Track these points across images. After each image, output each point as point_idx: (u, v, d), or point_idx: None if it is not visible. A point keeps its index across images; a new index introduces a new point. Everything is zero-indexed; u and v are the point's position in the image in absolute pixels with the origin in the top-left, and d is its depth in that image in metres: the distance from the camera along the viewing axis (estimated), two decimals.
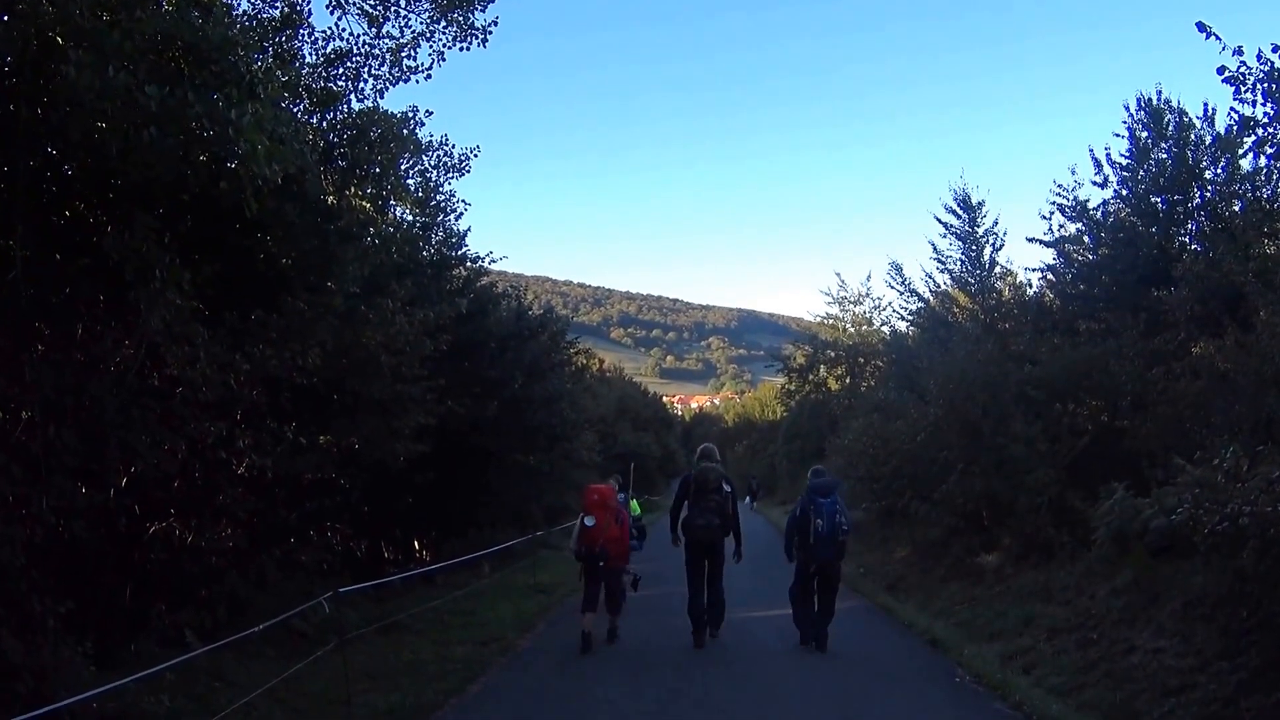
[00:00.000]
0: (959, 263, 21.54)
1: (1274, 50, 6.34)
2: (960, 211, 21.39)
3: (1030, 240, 16.73)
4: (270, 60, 8.53)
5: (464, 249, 16.06)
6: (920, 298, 23.53)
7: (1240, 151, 12.94)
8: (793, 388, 40.83)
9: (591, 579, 9.25)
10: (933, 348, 18.82)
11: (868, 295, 36.62)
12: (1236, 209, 13.61)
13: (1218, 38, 6.01)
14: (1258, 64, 6.23)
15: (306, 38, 9.26)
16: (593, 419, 33.87)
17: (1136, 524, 8.08)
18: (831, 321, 37.96)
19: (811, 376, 38.84)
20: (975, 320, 19.69)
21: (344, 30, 9.20)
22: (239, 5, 8.25)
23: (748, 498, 41.64)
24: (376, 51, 9.31)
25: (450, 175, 13.08)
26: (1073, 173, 15.86)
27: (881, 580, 14.04)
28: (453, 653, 8.88)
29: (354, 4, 9.09)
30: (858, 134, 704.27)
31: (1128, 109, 15.10)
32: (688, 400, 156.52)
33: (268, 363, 8.20)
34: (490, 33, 9.31)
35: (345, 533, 13.50)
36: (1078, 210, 15.80)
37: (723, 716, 6.59)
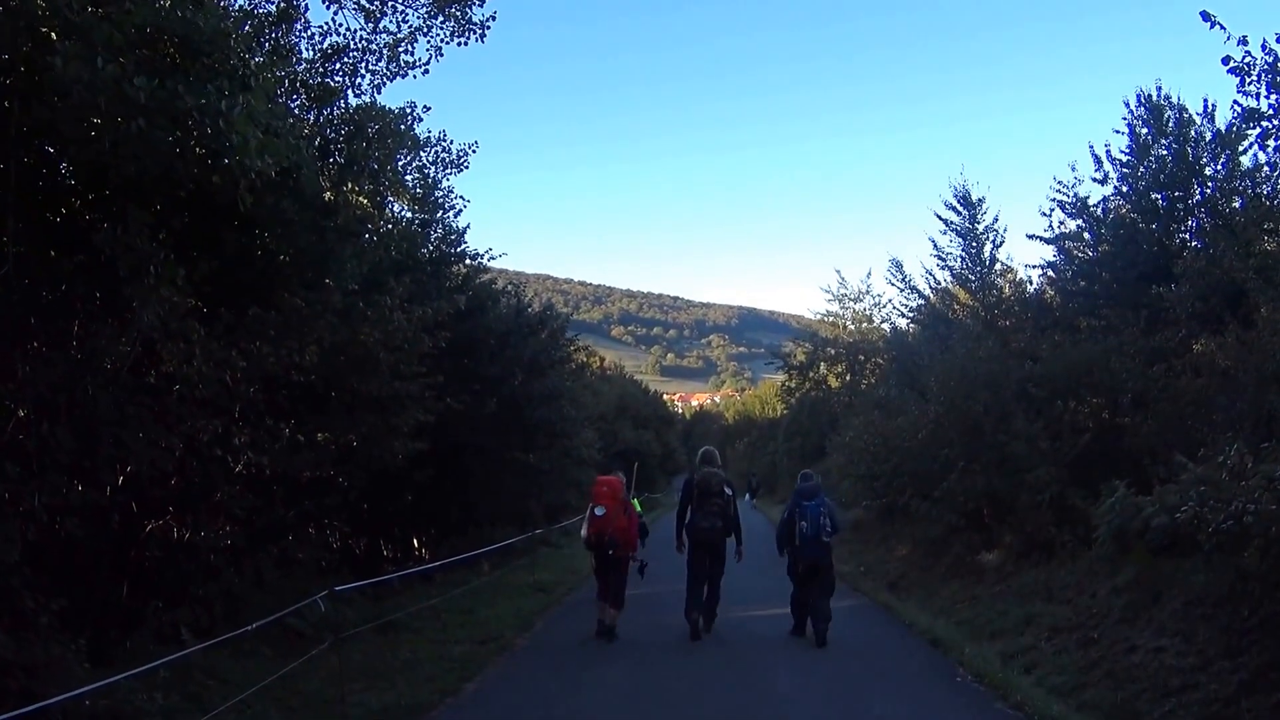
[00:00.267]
0: (959, 259, 21.49)
1: (1279, 40, 6.29)
2: (960, 208, 21.33)
3: (1030, 237, 16.68)
4: (267, 55, 8.48)
5: (463, 246, 16.02)
6: (921, 294, 23.47)
7: (1245, 145, 12.84)
8: (793, 385, 40.80)
9: (600, 569, 9.61)
10: (933, 345, 18.78)
11: (868, 292, 36.59)
12: (1237, 205, 13.57)
13: (1222, 27, 5.95)
14: (1262, 54, 6.17)
15: (303, 33, 9.21)
16: (593, 417, 33.83)
17: (1138, 522, 8.01)
18: (832, 319, 37.95)
19: (812, 374, 38.82)
20: (976, 317, 19.64)
21: (341, 25, 9.17)
22: (235, 0, 8.20)
23: (747, 495, 41.62)
24: (373, 47, 9.28)
25: (448, 171, 13.05)
26: (1073, 169, 15.81)
27: (882, 578, 14.00)
28: (450, 651, 8.84)
29: None
30: (858, 132, 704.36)
31: (1128, 105, 15.05)
32: (688, 398, 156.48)
33: (265, 360, 8.16)
34: (488, 28, 9.27)
35: (344, 531, 13.46)
36: (1078, 207, 15.75)
37: (721, 717, 6.55)
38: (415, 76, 9.39)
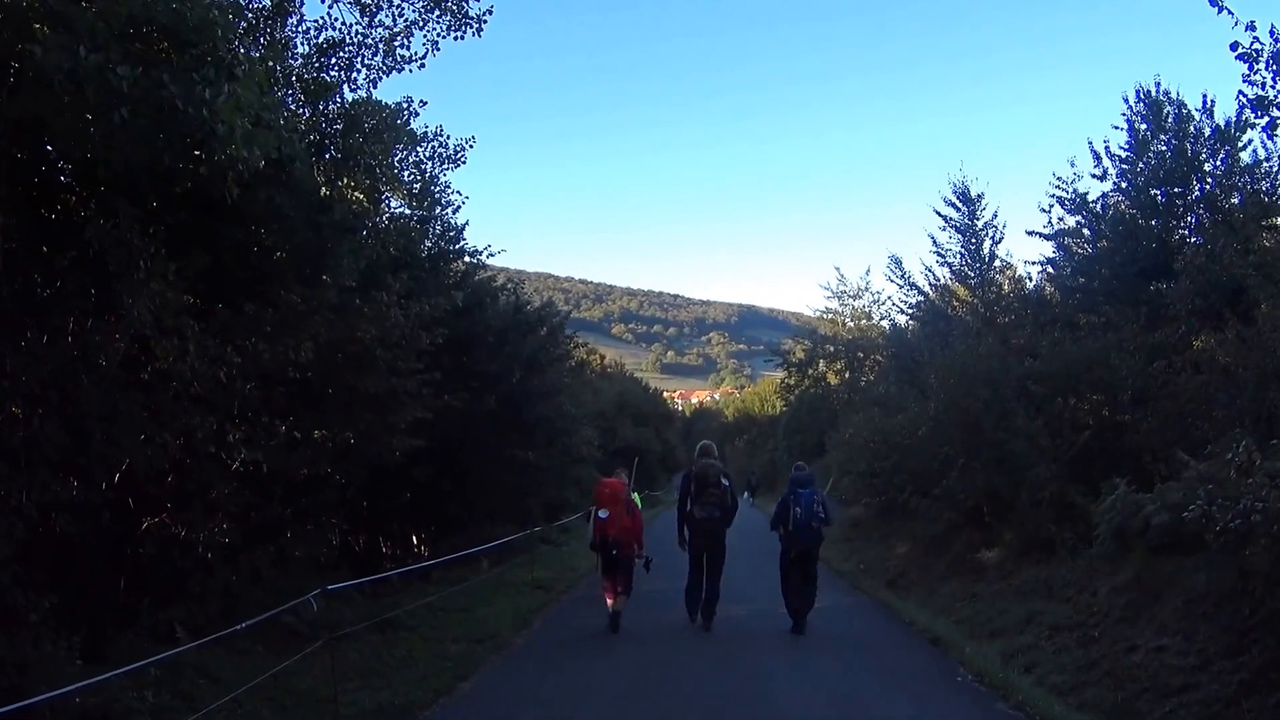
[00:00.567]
0: (959, 256, 21.46)
1: None
2: (959, 204, 21.30)
3: (1030, 233, 16.67)
4: (263, 50, 8.41)
5: (461, 243, 15.95)
6: (920, 291, 23.43)
7: (1249, 135, 12.80)
8: (792, 382, 40.78)
9: (606, 566, 9.91)
10: (933, 341, 18.72)
11: (867, 289, 36.59)
12: (1236, 202, 13.53)
13: (1230, 12, 5.85)
14: (1270, 40, 6.07)
15: (298, 27, 9.13)
16: (593, 414, 33.76)
17: (1138, 520, 7.96)
18: (831, 316, 37.93)
19: (811, 371, 38.81)
20: (975, 314, 19.60)
21: (336, 19, 9.06)
22: None
23: (745, 493, 41.60)
24: (369, 41, 9.16)
25: (445, 167, 12.96)
26: (1072, 165, 15.80)
27: (882, 576, 13.95)
28: (446, 650, 8.80)
29: None
30: (858, 129, 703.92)
31: (1127, 101, 15.02)
32: (688, 395, 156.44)
33: (260, 356, 8.11)
34: (485, 22, 9.17)
35: (342, 528, 13.41)
36: (1077, 203, 15.73)
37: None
38: (411, 71, 9.29)
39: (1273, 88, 6.06)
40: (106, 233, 5.95)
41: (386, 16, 9.04)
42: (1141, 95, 14.84)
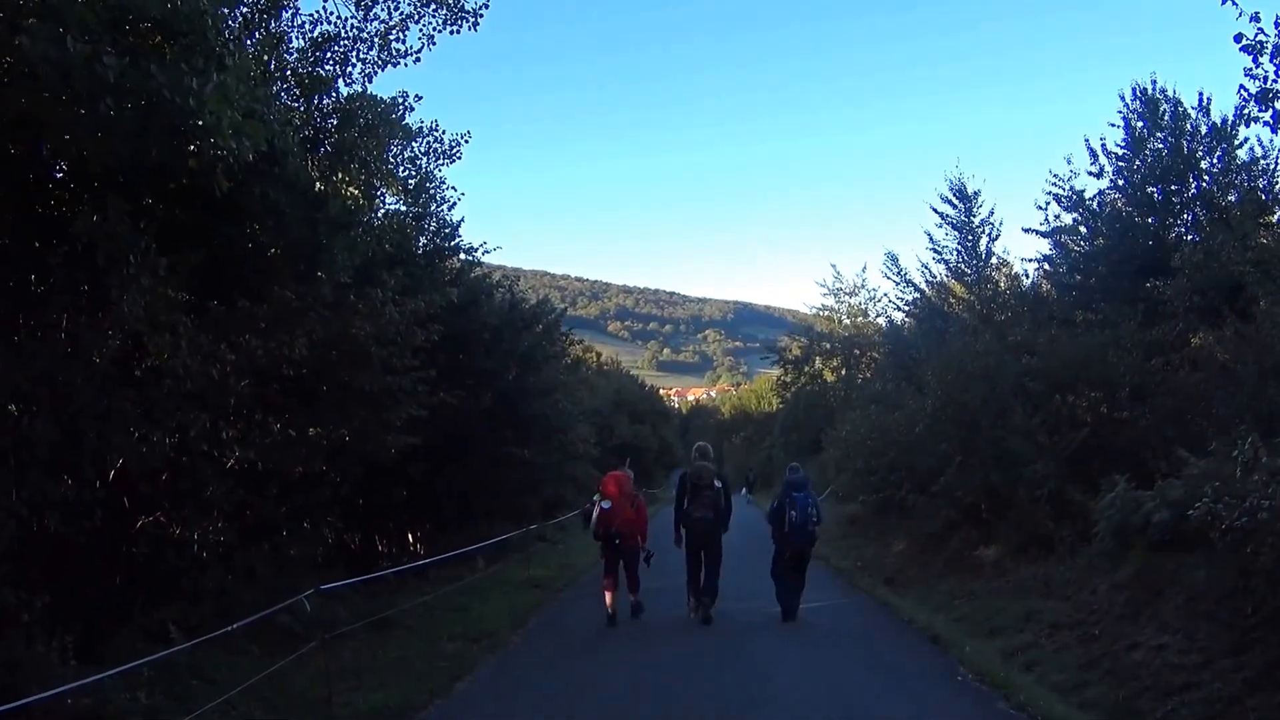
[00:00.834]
0: (955, 253, 21.48)
1: None
2: (956, 201, 21.32)
3: (1026, 231, 16.66)
4: (257, 44, 8.34)
5: (457, 239, 15.88)
6: (916, 288, 23.44)
7: (1255, 127, 12.74)
8: (788, 380, 40.79)
9: (610, 557, 10.13)
10: (929, 338, 18.70)
11: (863, 287, 36.57)
12: (1232, 199, 13.52)
13: (1234, 3, 5.77)
14: (1275, 32, 5.99)
15: (293, 21, 9.07)
16: (589, 411, 33.69)
17: (1138, 517, 7.92)
18: (827, 313, 37.92)
19: (807, 368, 38.81)
20: (972, 311, 19.57)
21: (332, 13, 9.04)
22: None
23: (743, 489, 41.58)
24: (365, 35, 9.14)
25: (441, 162, 12.91)
26: (1068, 162, 15.79)
27: (879, 574, 13.90)
28: (442, 649, 8.73)
29: None
30: (854, 128, 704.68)
31: (1123, 99, 15.02)
32: (684, 393, 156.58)
33: (254, 353, 8.04)
34: (481, 16, 9.14)
35: (337, 526, 13.33)
36: (1074, 200, 15.71)
37: None
38: (407, 65, 9.28)
39: (1277, 80, 5.98)
40: (95, 226, 5.87)
41: (382, 10, 9.03)
42: (1138, 93, 14.84)
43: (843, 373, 35.87)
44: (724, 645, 8.83)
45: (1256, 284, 9.49)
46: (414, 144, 12.30)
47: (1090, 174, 15.40)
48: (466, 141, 12.78)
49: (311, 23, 9.08)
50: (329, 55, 9.20)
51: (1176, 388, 10.59)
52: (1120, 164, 15.05)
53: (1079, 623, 7.75)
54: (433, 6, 8.90)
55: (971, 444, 12.33)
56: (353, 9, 8.98)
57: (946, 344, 15.70)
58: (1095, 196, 15.51)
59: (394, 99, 10.49)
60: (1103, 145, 15.17)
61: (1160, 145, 14.46)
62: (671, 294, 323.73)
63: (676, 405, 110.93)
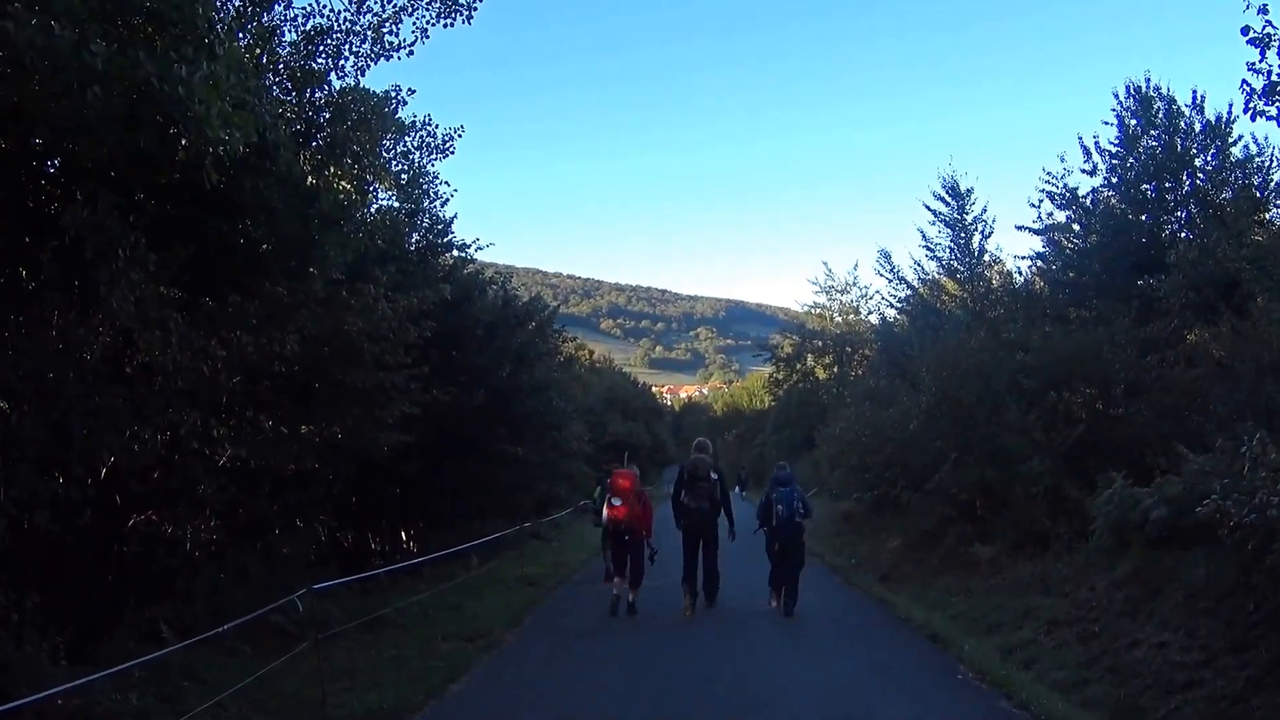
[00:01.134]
0: (948, 250, 21.53)
1: None
2: (949, 199, 21.38)
3: (1019, 228, 16.68)
4: (250, 35, 8.24)
5: (450, 236, 15.78)
6: (909, 285, 23.48)
7: (1260, 122, 12.77)
8: (780, 377, 40.89)
9: (618, 551, 10.61)
10: (923, 335, 18.68)
11: (854, 285, 36.70)
12: (1227, 196, 13.53)
13: None
14: None
15: (286, 14, 8.95)
16: (582, 409, 33.62)
17: (1136, 514, 7.90)
18: (819, 311, 38.04)
19: (799, 365, 38.90)
20: (965, 308, 19.59)
21: (324, 6, 8.91)
22: None
23: (736, 487, 41.59)
24: (357, 28, 9.00)
25: (434, 156, 12.78)
26: (1062, 160, 15.84)
27: (874, 571, 13.88)
28: (436, 649, 8.64)
29: None
30: (846, 126, 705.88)
31: (1117, 96, 15.05)
32: (676, 390, 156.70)
33: (245, 349, 7.94)
34: (475, 9, 9.02)
35: (330, 524, 13.24)
36: (1067, 198, 15.73)
37: None
38: (400, 58, 9.12)
39: None
40: (84, 220, 5.77)
41: (375, 3, 8.90)
42: (1132, 90, 14.86)
43: (835, 370, 35.96)
44: (722, 644, 8.77)
45: (1253, 280, 9.48)
46: (407, 138, 12.19)
47: (1084, 171, 15.45)
48: (460, 136, 12.68)
49: (304, 16, 8.95)
50: (321, 49, 9.06)
51: (1172, 384, 10.58)
52: (1114, 161, 15.08)
53: (1078, 620, 7.71)
54: None
55: (967, 441, 12.31)
56: (346, 2, 8.87)
57: (940, 341, 15.68)
58: (1089, 194, 15.55)
59: (387, 93, 10.37)
60: (1096, 143, 15.21)
61: (1154, 142, 14.48)
62: (664, 292, 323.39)
63: (669, 403, 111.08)
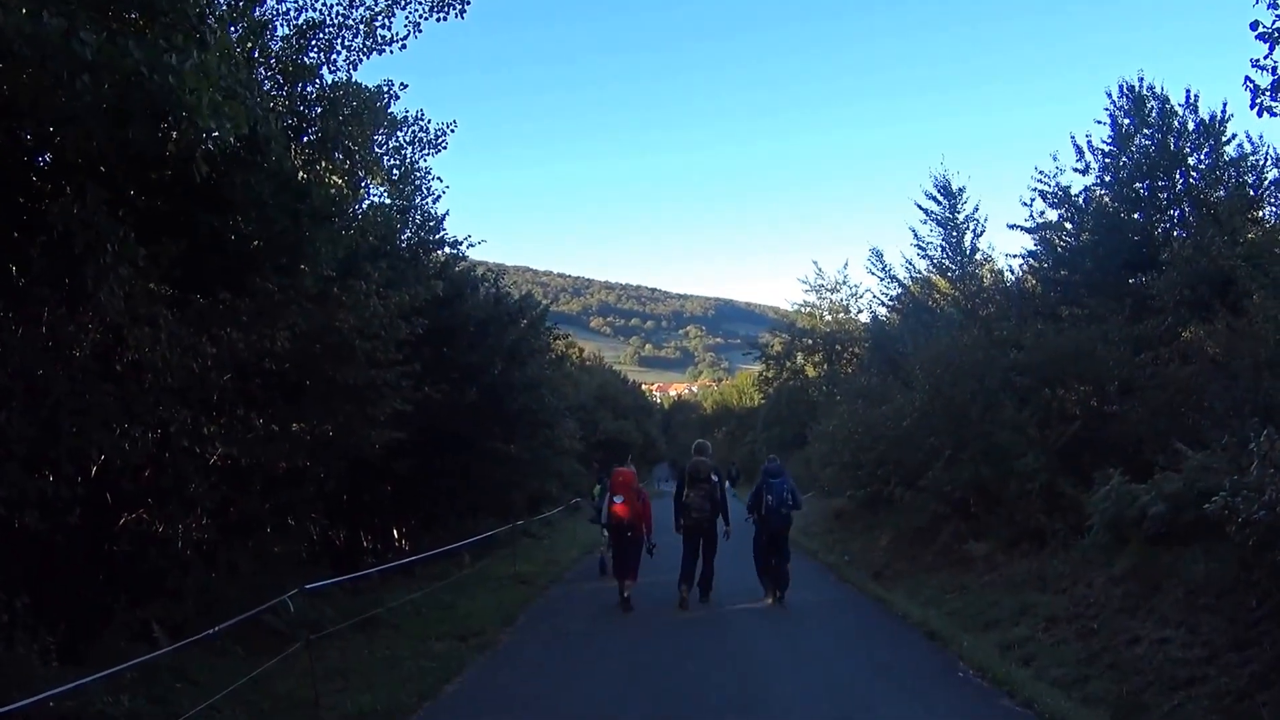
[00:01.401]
0: (939, 248, 21.53)
1: None
2: (941, 198, 21.38)
3: (1011, 226, 16.73)
4: (243, 30, 8.12)
5: (442, 233, 15.65)
6: (900, 283, 23.49)
7: (1268, 118, 12.82)
8: (770, 375, 40.90)
9: (620, 548, 10.99)
10: (916, 333, 18.69)
11: (844, 283, 36.71)
12: (1221, 194, 13.57)
13: None
14: None
15: (278, 8, 8.85)
16: (574, 406, 33.53)
17: (1133, 511, 7.89)
18: (809, 309, 38.02)
19: (789, 364, 38.91)
20: (957, 306, 19.61)
21: (317, 0, 8.81)
22: None
23: (727, 482, 41.60)
24: (350, 22, 8.91)
25: (426, 151, 12.67)
26: (1054, 159, 15.90)
27: (867, 568, 13.85)
28: (430, 649, 8.55)
29: None
30: (836, 126, 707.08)
31: (1110, 95, 15.09)
32: (666, 388, 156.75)
33: (235, 346, 7.84)
34: (468, 3, 8.94)
35: (321, 523, 13.13)
36: (1060, 196, 15.75)
37: None
38: (392, 52, 9.05)
39: None
40: (72, 214, 5.65)
41: None
42: (1125, 90, 14.90)
43: (824, 368, 35.97)
44: (719, 643, 8.72)
45: (1249, 278, 9.47)
46: (399, 133, 12.06)
47: (1076, 170, 15.50)
48: (452, 131, 12.57)
49: (296, 9, 8.86)
50: (314, 43, 8.97)
51: (1167, 381, 10.59)
52: (1106, 160, 15.12)
53: (1076, 616, 7.69)
54: None
55: (961, 438, 12.31)
56: None
57: (933, 338, 15.69)
58: (1081, 192, 15.60)
59: (379, 87, 10.28)
60: (1089, 142, 15.27)
61: (1147, 141, 14.53)
62: (654, 290, 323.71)
63: (658, 401, 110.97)
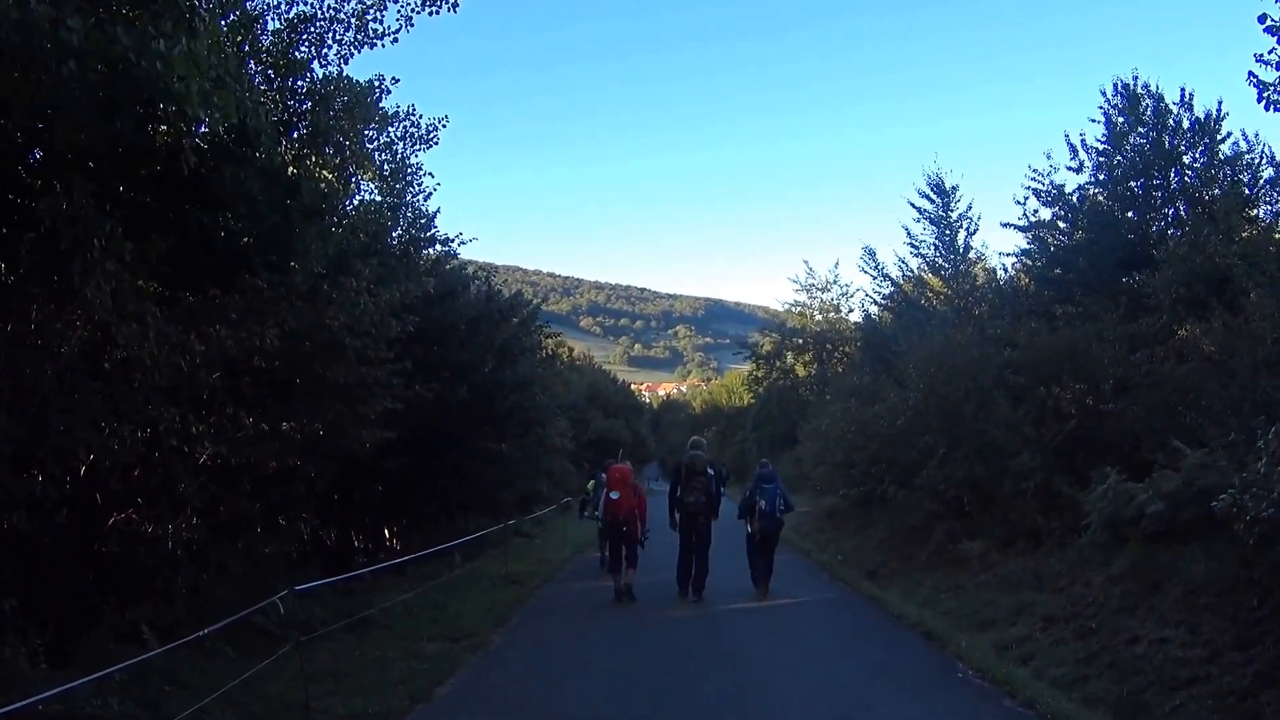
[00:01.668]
0: (933, 247, 21.55)
1: None
2: (934, 196, 21.40)
3: (1005, 225, 16.71)
4: (231, 25, 8.00)
5: (433, 230, 15.53)
6: (893, 282, 23.50)
7: (1274, 113, 12.86)
8: (760, 374, 40.90)
9: (614, 543, 11.12)
10: (909, 331, 18.69)
11: (835, 283, 36.74)
12: (1216, 193, 13.58)
13: None
14: None
15: (269, 1, 8.72)
16: (565, 405, 33.46)
17: (1131, 509, 7.86)
18: (799, 309, 38.09)
19: (779, 363, 38.94)
20: (951, 304, 19.62)
21: None
22: None
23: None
24: (341, 16, 8.80)
25: (417, 147, 12.52)
26: (1048, 158, 15.86)
27: (861, 568, 13.80)
28: (422, 650, 8.44)
29: None
30: (827, 126, 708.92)
31: (1104, 94, 15.08)
32: (655, 388, 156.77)
33: (224, 344, 7.72)
34: None
35: (312, 522, 13.00)
36: (1054, 195, 15.75)
37: None
38: (384, 46, 8.92)
39: None
40: (59, 209, 5.54)
41: None
42: (1119, 88, 14.89)
43: (815, 368, 36.02)
44: (715, 643, 8.66)
45: (1245, 276, 9.45)
46: (390, 129, 11.89)
47: (1070, 169, 15.49)
48: (444, 125, 12.41)
49: (287, 3, 8.74)
50: (304, 36, 8.86)
51: (1163, 379, 10.57)
52: (1101, 159, 15.12)
53: (1074, 616, 7.65)
54: None
55: (955, 436, 12.29)
56: None
57: (927, 337, 15.67)
58: (1075, 191, 15.60)
59: (370, 82, 10.12)
60: (1083, 140, 15.26)
61: (1142, 140, 14.52)
62: (643, 290, 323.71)
63: (648, 400, 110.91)
